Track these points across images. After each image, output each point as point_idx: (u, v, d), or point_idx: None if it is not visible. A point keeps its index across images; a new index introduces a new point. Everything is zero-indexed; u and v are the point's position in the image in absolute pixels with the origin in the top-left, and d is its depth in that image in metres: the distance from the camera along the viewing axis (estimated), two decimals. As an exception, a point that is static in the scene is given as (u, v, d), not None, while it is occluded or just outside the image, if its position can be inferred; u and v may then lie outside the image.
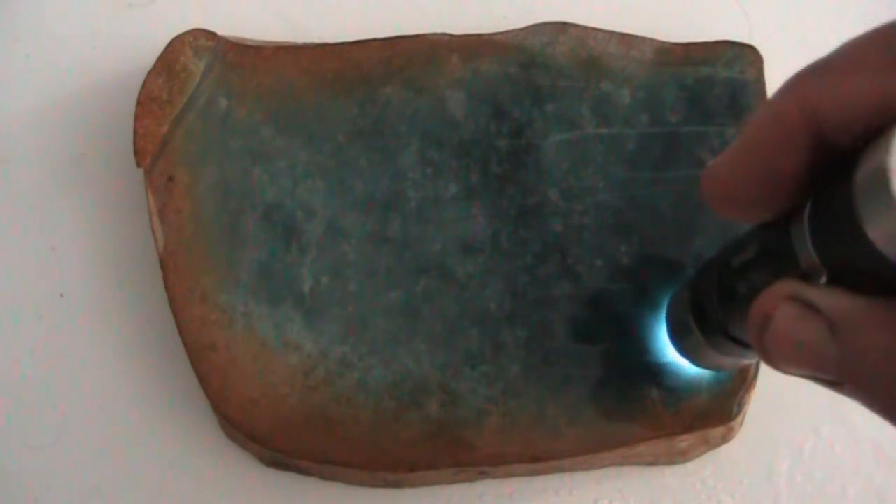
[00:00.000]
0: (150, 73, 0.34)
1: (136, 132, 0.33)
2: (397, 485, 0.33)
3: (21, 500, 0.33)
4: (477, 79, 0.34)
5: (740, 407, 0.32)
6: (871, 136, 0.18)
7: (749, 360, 0.29)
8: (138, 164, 0.33)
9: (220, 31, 0.35)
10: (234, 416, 0.32)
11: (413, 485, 0.33)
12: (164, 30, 0.34)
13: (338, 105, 0.34)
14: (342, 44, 0.34)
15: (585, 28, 0.34)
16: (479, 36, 0.34)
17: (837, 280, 0.20)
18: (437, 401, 0.32)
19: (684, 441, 0.32)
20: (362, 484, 0.33)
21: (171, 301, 0.32)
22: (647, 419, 0.31)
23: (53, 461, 0.34)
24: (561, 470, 0.33)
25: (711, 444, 0.33)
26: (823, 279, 0.21)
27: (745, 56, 0.34)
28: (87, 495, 0.34)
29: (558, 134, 0.33)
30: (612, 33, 0.34)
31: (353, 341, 0.32)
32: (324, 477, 0.33)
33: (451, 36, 0.34)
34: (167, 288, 0.33)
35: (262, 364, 0.32)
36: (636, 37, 0.34)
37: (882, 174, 0.17)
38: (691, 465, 0.34)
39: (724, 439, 0.33)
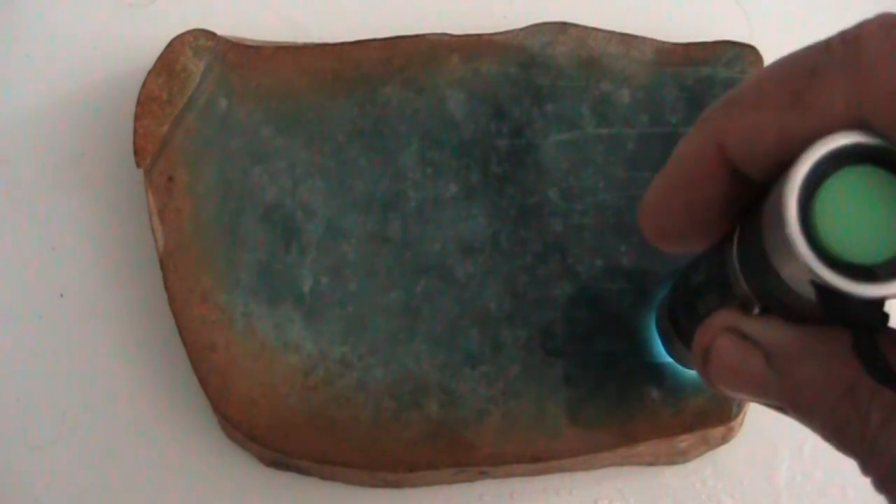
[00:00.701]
0: (150, 73, 0.34)
1: (136, 132, 0.33)
2: (397, 485, 0.33)
3: (21, 500, 0.33)
4: (477, 79, 0.34)
5: (740, 407, 0.32)
6: (779, 171, 0.18)
7: None
8: (138, 164, 0.33)
9: (220, 31, 0.35)
10: (234, 416, 0.32)
11: (413, 485, 0.33)
12: (164, 30, 0.34)
13: (338, 105, 0.34)
14: (342, 44, 0.34)
15: (585, 28, 0.34)
16: (479, 36, 0.34)
17: (769, 309, 0.20)
18: (437, 401, 0.32)
19: (684, 441, 0.32)
20: (362, 484, 0.33)
21: (171, 301, 0.32)
22: (647, 419, 0.31)
23: (53, 461, 0.34)
24: (561, 470, 0.33)
25: (711, 444, 0.33)
26: (757, 309, 0.21)
27: (745, 56, 0.34)
28: (87, 495, 0.34)
29: (558, 134, 0.33)
30: (612, 33, 0.34)
31: (353, 341, 0.32)
32: (324, 477, 0.33)
33: (451, 36, 0.34)
34: (167, 288, 0.33)
35: (262, 364, 0.32)
36: (636, 37, 0.34)
37: (778, 215, 0.17)
38: (691, 465, 0.34)
39: (724, 439, 0.33)
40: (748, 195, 0.20)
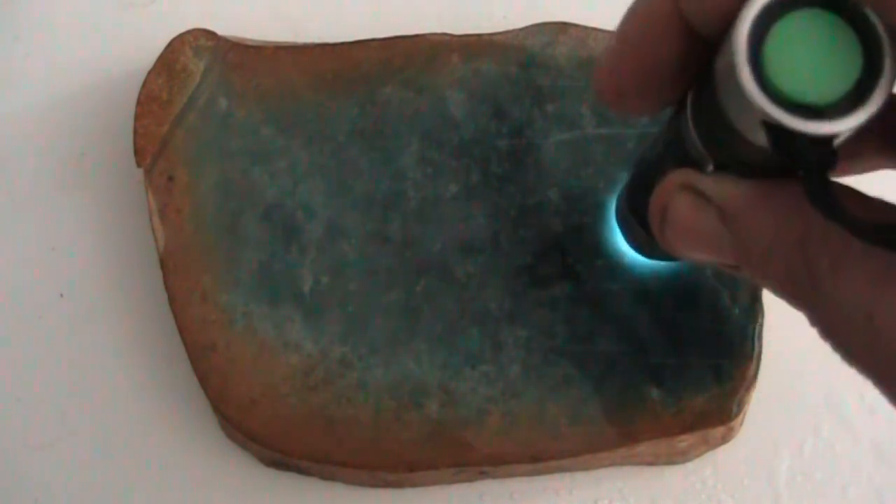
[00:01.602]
0: (150, 73, 0.34)
1: (136, 132, 0.33)
2: (397, 485, 0.33)
3: (21, 500, 0.33)
4: (477, 79, 0.34)
5: (740, 407, 0.32)
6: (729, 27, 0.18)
7: None
8: (138, 164, 0.33)
9: (220, 31, 0.35)
10: (234, 416, 0.32)
11: (413, 485, 0.33)
12: (164, 30, 0.34)
13: (338, 105, 0.34)
14: (342, 44, 0.34)
15: (585, 28, 0.34)
16: (479, 36, 0.34)
17: (724, 167, 0.21)
18: (437, 401, 0.32)
19: (684, 441, 0.32)
20: (362, 484, 0.33)
21: (171, 301, 0.32)
22: (647, 419, 0.31)
23: (53, 461, 0.34)
24: (561, 470, 0.33)
25: (711, 444, 0.33)
26: (711, 167, 0.21)
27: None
28: (87, 495, 0.34)
29: (558, 134, 0.33)
30: (612, 33, 0.34)
31: (354, 341, 0.32)
32: (324, 477, 0.33)
33: (451, 36, 0.34)
34: (167, 288, 0.33)
35: (262, 364, 0.32)
36: (636, 37, 0.34)
37: (730, 62, 0.18)
38: (691, 465, 0.34)
39: (724, 439, 0.33)
40: (701, 56, 0.20)
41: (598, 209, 0.33)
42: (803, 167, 0.18)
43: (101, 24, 0.38)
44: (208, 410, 0.33)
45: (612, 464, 0.33)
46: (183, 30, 0.34)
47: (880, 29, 0.18)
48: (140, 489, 0.34)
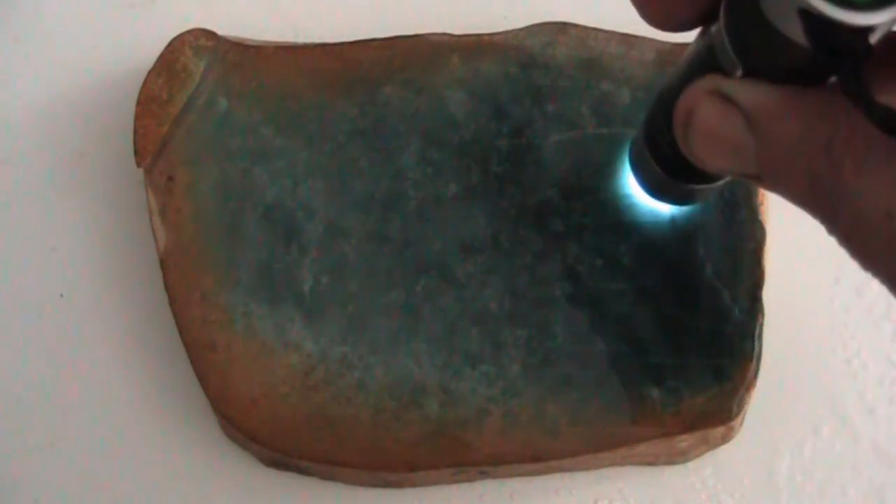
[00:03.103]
0: (150, 73, 0.34)
1: (136, 132, 0.33)
2: (397, 485, 0.33)
3: (21, 500, 0.33)
4: (477, 79, 0.34)
5: (740, 407, 0.32)
6: None
7: (707, 184, 0.29)
8: (138, 164, 0.33)
9: (220, 31, 0.35)
10: (234, 416, 0.32)
11: (413, 485, 0.33)
12: (164, 30, 0.34)
13: (338, 105, 0.34)
14: (342, 44, 0.34)
15: (585, 28, 0.34)
16: (479, 36, 0.34)
17: (753, 73, 0.21)
18: (437, 401, 0.32)
19: (684, 441, 0.32)
20: (362, 484, 0.33)
21: (171, 301, 0.32)
22: (647, 419, 0.31)
23: (53, 461, 0.34)
24: (561, 470, 0.33)
25: (711, 444, 0.33)
26: (740, 72, 0.21)
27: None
28: (87, 495, 0.34)
29: (558, 134, 0.33)
30: (612, 33, 0.34)
31: (354, 341, 0.32)
32: (324, 477, 0.33)
33: (451, 36, 0.34)
34: (167, 288, 0.33)
35: (262, 364, 0.32)
36: (636, 37, 0.34)
37: None
38: (691, 465, 0.34)
39: (724, 439, 0.33)
40: None
41: (599, 209, 0.33)
42: (838, 56, 0.18)
43: (101, 24, 0.38)
44: (208, 410, 0.33)
45: (612, 464, 0.33)
46: (183, 30, 0.34)
47: None
48: (140, 489, 0.34)
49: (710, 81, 0.21)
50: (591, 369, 0.32)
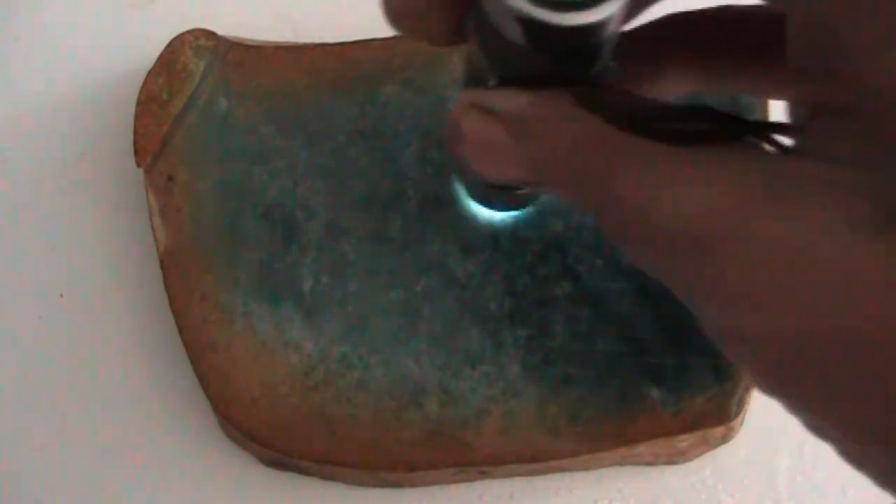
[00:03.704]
0: (150, 73, 0.34)
1: (136, 132, 0.33)
2: (397, 485, 0.33)
3: (21, 500, 0.33)
4: (477, 79, 0.34)
5: (740, 407, 0.32)
6: None
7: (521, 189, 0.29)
8: (138, 164, 0.33)
9: (220, 31, 0.35)
10: (234, 416, 0.32)
11: (413, 485, 0.33)
12: (164, 30, 0.34)
13: (338, 105, 0.34)
14: (342, 44, 0.34)
15: (585, 28, 0.34)
16: (479, 36, 0.34)
17: (507, 81, 0.21)
18: (437, 400, 0.32)
19: (684, 441, 0.32)
20: (362, 484, 0.33)
21: (171, 301, 0.32)
22: (647, 419, 0.31)
23: (53, 461, 0.34)
24: (561, 470, 0.33)
25: (711, 444, 0.33)
26: (493, 82, 0.21)
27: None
28: (87, 495, 0.34)
29: (558, 134, 0.33)
30: None
31: (354, 341, 0.32)
32: (324, 477, 0.33)
33: (451, 36, 0.34)
34: (167, 288, 0.33)
35: (262, 364, 0.32)
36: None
37: None
38: (691, 465, 0.34)
39: (724, 439, 0.33)
40: None
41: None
42: (557, 56, 0.18)
43: (101, 24, 0.38)
44: (208, 410, 0.33)
45: (612, 464, 0.33)
46: (183, 30, 0.34)
47: None
48: (140, 489, 0.34)
49: (468, 95, 0.22)
50: (591, 369, 0.32)
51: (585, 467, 0.33)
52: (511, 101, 0.20)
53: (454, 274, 0.33)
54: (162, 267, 0.33)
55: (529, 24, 0.18)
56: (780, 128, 0.19)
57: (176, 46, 0.34)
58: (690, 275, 0.18)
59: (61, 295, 0.35)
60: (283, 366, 0.32)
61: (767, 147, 0.19)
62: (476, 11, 0.20)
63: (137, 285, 0.35)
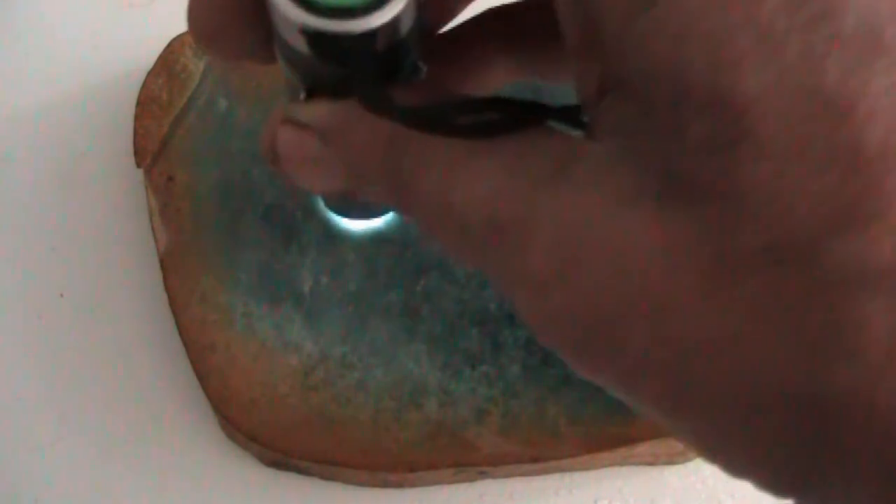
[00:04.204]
0: (150, 73, 0.34)
1: (136, 132, 0.33)
2: (397, 485, 0.33)
3: (21, 500, 0.33)
4: (477, 79, 0.34)
5: (740, 407, 0.32)
6: None
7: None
8: (138, 164, 0.33)
9: (220, 31, 0.35)
10: (234, 416, 0.32)
11: (413, 485, 0.33)
12: (164, 30, 0.34)
13: (338, 105, 0.34)
14: (342, 44, 0.34)
15: (585, 28, 0.34)
16: (479, 36, 0.34)
17: (314, 92, 0.21)
18: (436, 401, 0.32)
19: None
20: (362, 484, 0.33)
21: (171, 301, 0.32)
22: (646, 419, 0.31)
23: (53, 461, 0.34)
24: (561, 470, 0.33)
25: (711, 444, 0.33)
26: (303, 95, 0.21)
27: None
28: (87, 495, 0.34)
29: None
30: None
31: (353, 341, 0.32)
32: (324, 477, 0.33)
33: (451, 36, 0.34)
34: (167, 288, 0.33)
35: (262, 364, 0.32)
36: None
37: None
38: (691, 465, 0.34)
39: (724, 439, 0.33)
40: None
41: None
42: (343, 64, 0.18)
43: (101, 24, 0.38)
44: (208, 410, 0.33)
45: (612, 464, 0.33)
46: (183, 30, 0.34)
47: None
48: (140, 489, 0.34)
49: (280, 111, 0.21)
50: (590, 369, 0.32)
51: (585, 467, 0.33)
52: (321, 111, 0.20)
53: (454, 274, 0.33)
54: (162, 267, 0.33)
55: (311, 35, 0.18)
56: (579, 110, 0.19)
57: (175, 47, 0.34)
58: (491, 264, 0.18)
59: (61, 295, 0.35)
60: (283, 366, 0.32)
61: (575, 130, 0.19)
62: (273, 27, 0.20)
63: (137, 285, 0.35)
